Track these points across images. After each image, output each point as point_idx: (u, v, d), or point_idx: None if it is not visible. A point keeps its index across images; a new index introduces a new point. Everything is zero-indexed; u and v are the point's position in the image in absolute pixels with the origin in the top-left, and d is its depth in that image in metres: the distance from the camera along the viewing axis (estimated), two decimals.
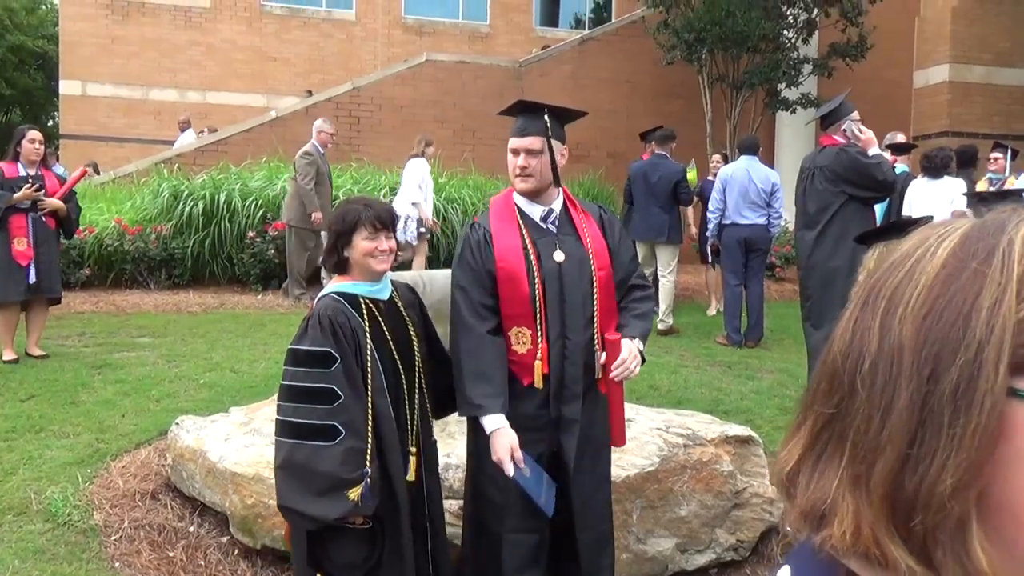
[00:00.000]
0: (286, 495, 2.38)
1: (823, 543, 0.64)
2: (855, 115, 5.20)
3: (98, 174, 12.31)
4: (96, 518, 3.70)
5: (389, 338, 2.60)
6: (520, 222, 2.77)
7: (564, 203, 2.85)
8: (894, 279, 0.64)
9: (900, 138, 7.93)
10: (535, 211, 2.80)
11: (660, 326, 7.79)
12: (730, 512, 3.72)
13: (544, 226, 2.79)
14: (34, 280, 6.02)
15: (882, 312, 0.63)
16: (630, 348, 2.69)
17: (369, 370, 2.51)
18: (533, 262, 2.70)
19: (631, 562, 3.49)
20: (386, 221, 2.60)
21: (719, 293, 8.76)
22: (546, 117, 2.75)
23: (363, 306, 2.57)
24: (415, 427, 2.67)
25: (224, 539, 3.64)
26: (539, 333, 2.68)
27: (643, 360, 2.75)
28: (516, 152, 2.75)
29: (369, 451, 2.44)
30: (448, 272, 3.02)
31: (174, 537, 3.66)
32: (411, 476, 2.63)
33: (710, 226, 7.80)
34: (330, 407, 2.40)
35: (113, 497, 3.88)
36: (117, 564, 3.41)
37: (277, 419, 2.47)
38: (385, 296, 2.66)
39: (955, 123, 13.15)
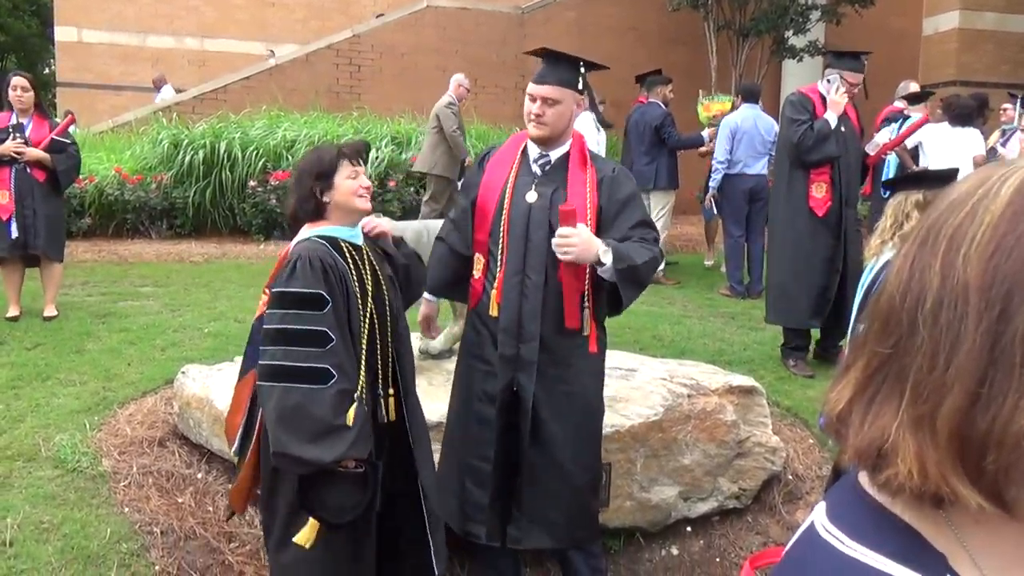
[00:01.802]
0: (280, 441, 2.32)
1: (887, 482, 0.63)
2: (851, 77, 5.09)
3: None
4: (105, 464, 3.74)
5: (366, 281, 2.56)
6: (518, 159, 2.86)
7: (567, 153, 2.84)
8: (954, 219, 0.62)
9: (914, 87, 7.79)
10: (533, 153, 2.87)
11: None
12: (733, 461, 3.76)
13: (533, 168, 2.85)
14: (17, 235, 5.69)
15: (943, 251, 0.62)
16: (581, 231, 2.60)
17: (361, 313, 2.49)
18: (507, 196, 2.79)
19: (635, 509, 3.54)
20: (363, 157, 2.59)
21: (715, 244, 8.69)
22: (582, 69, 2.83)
23: (345, 250, 2.53)
24: (391, 370, 2.66)
25: (232, 485, 3.67)
26: (497, 265, 2.77)
27: (604, 266, 2.63)
28: (533, 99, 2.77)
29: (359, 393, 2.43)
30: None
31: (182, 483, 3.70)
32: (392, 416, 2.64)
33: (717, 176, 7.62)
34: (322, 350, 2.35)
35: (121, 444, 3.92)
36: (127, 509, 3.46)
37: (263, 364, 2.39)
38: (359, 241, 2.62)
39: (963, 72, 12.94)
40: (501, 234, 2.78)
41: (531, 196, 2.79)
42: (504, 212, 2.78)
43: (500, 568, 3.00)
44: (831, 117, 5.01)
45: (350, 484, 2.38)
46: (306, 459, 2.30)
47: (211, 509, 3.55)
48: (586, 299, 2.78)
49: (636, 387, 3.78)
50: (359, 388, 2.45)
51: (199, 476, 3.76)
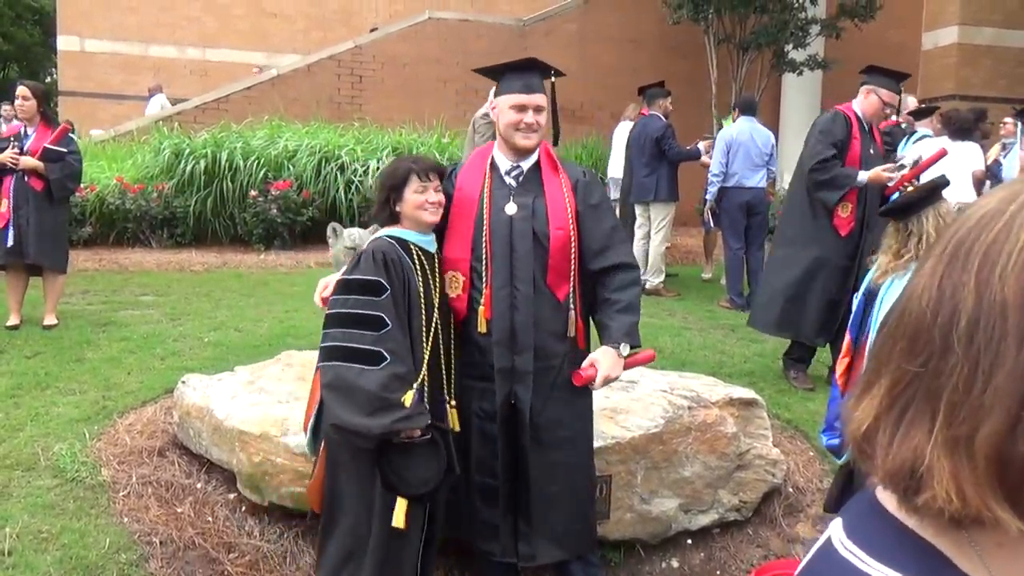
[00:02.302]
0: (335, 414, 2.49)
1: (925, 505, 0.62)
2: (888, 96, 5.05)
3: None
4: (104, 474, 3.73)
5: (433, 288, 2.72)
6: (488, 174, 2.85)
7: (537, 161, 2.87)
8: (987, 235, 0.61)
9: (912, 100, 7.82)
10: (504, 165, 2.87)
11: (646, 286, 7.57)
12: (733, 473, 3.76)
13: (507, 180, 2.86)
14: (12, 244, 5.70)
15: (977, 269, 0.61)
16: (604, 370, 2.67)
17: (423, 313, 2.65)
18: (485, 211, 2.79)
19: (635, 522, 3.53)
20: (433, 174, 2.72)
21: (713, 257, 8.70)
22: (553, 79, 2.91)
23: (414, 251, 2.70)
24: (452, 378, 2.80)
25: (231, 496, 3.67)
26: (484, 280, 2.77)
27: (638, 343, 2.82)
28: (524, 108, 2.77)
29: (417, 378, 2.57)
30: None
31: (182, 493, 3.69)
32: (455, 426, 2.78)
33: (712, 189, 7.65)
34: (377, 334, 2.52)
35: (120, 454, 3.91)
36: (126, 519, 3.45)
37: (324, 346, 2.58)
38: (431, 249, 2.79)
39: (962, 86, 12.99)
40: (484, 248, 2.77)
41: (511, 208, 2.80)
42: (484, 226, 2.78)
43: None
44: (862, 177, 4.87)
45: (423, 456, 2.52)
46: (357, 427, 2.45)
47: (211, 519, 3.54)
48: (571, 301, 2.80)
49: (636, 399, 3.77)
50: (420, 380, 2.59)
51: (199, 486, 3.74)
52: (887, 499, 0.66)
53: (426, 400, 2.61)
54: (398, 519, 2.52)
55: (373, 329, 2.52)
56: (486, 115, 8.16)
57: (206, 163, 9.24)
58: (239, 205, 9.23)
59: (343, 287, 2.62)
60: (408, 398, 2.48)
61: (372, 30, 14.23)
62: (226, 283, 7.60)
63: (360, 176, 9.43)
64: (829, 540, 0.69)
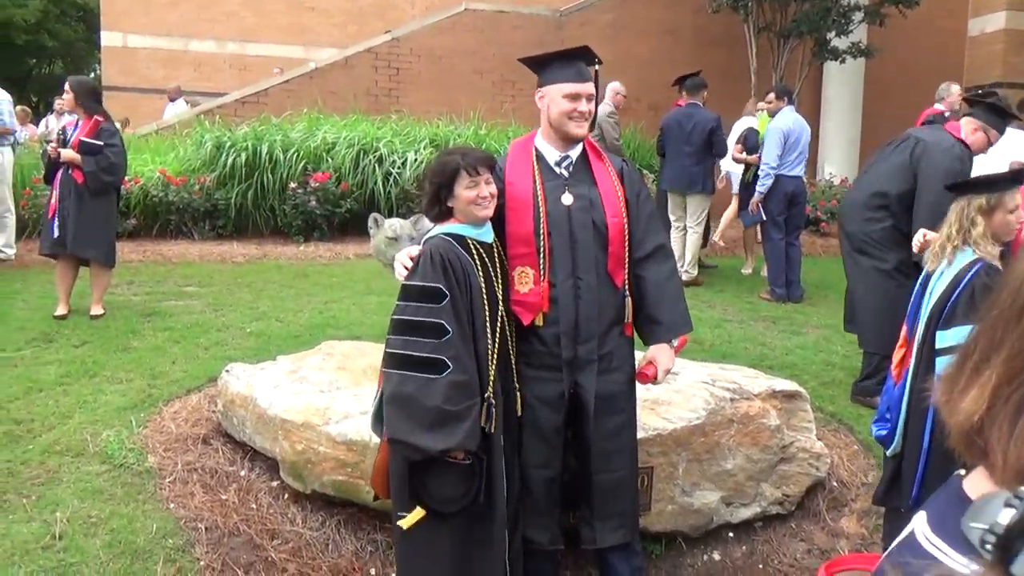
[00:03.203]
0: (395, 427, 2.46)
1: None
2: (993, 135, 4.68)
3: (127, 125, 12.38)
4: (151, 461, 3.80)
5: (494, 279, 2.68)
6: (535, 165, 2.83)
7: (584, 151, 2.87)
8: None
9: (955, 89, 7.64)
10: (552, 156, 2.85)
11: (684, 277, 7.48)
12: (776, 466, 3.71)
13: (557, 171, 2.84)
14: (57, 234, 5.86)
15: None
16: (660, 364, 2.81)
17: (487, 308, 2.61)
18: (541, 204, 2.76)
19: (676, 514, 3.50)
20: (482, 167, 2.65)
21: (754, 251, 8.60)
22: (597, 68, 2.87)
23: (471, 247, 2.66)
24: (515, 365, 2.78)
25: (274, 483, 3.71)
26: (541, 273, 2.74)
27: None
28: (577, 97, 2.76)
29: (481, 385, 2.56)
30: None
31: (226, 480, 3.74)
32: (520, 410, 2.77)
33: (768, 181, 7.49)
34: (438, 341, 2.48)
35: (166, 441, 3.98)
36: (172, 505, 3.51)
37: (386, 351, 2.56)
38: (489, 239, 2.73)
39: (1009, 73, 12.65)
40: (542, 241, 2.75)
41: (567, 199, 2.78)
42: (542, 219, 2.76)
43: (542, 570, 2.99)
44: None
45: (457, 476, 2.49)
46: (418, 446, 2.42)
47: (254, 506, 3.59)
48: (627, 288, 2.84)
49: (678, 390, 3.74)
50: (490, 383, 2.58)
51: (242, 474, 3.79)
52: (975, 490, 0.64)
53: (491, 395, 2.57)
54: (405, 520, 2.49)
55: (435, 336, 2.49)
56: (612, 113, 8.12)
57: (247, 156, 9.32)
58: (279, 197, 9.31)
59: (404, 293, 2.59)
60: (471, 409, 2.46)
61: (386, 32, 14.19)
62: (267, 274, 7.68)
63: (398, 168, 9.46)
64: (912, 534, 0.67)
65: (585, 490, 2.88)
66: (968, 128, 4.70)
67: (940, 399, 0.65)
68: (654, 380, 2.81)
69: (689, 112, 7.85)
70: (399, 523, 2.51)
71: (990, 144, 4.74)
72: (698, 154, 7.72)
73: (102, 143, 5.91)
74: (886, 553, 0.69)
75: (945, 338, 2.92)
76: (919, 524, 0.66)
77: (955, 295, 2.94)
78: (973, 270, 2.95)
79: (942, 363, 2.99)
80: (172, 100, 13.82)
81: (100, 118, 6.00)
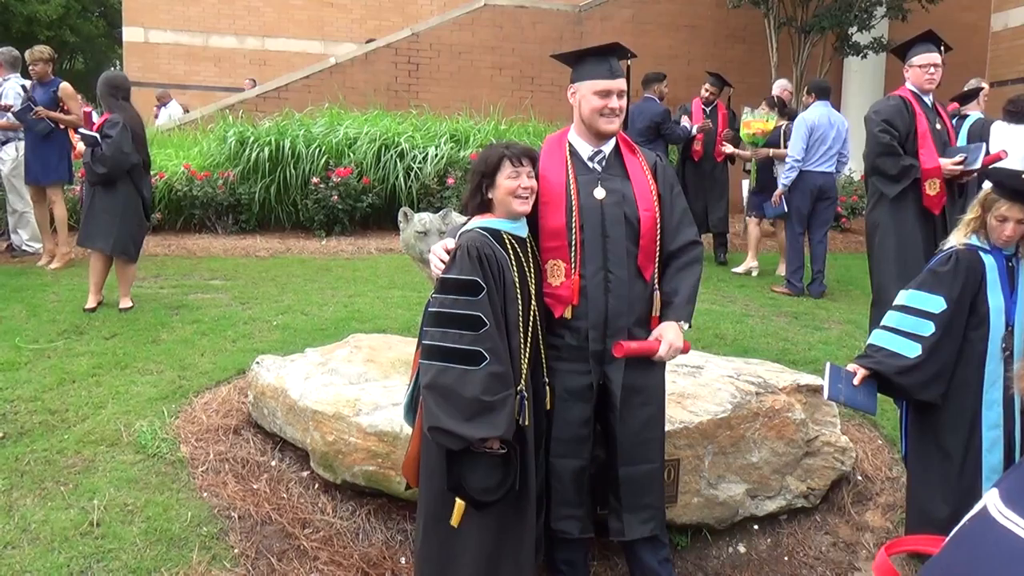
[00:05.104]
0: (435, 416, 2.51)
1: None
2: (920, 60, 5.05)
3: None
4: (183, 450, 3.87)
5: (527, 273, 2.73)
6: (568, 160, 2.86)
7: (617, 146, 2.91)
8: None
9: (976, 82, 7.62)
10: (585, 151, 2.89)
11: None
12: (801, 460, 3.74)
13: (591, 165, 2.88)
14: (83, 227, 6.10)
15: None
16: (668, 340, 2.78)
17: (519, 302, 2.66)
18: (573, 197, 2.79)
19: (702, 506, 3.53)
20: (526, 159, 2.71)
21: (756, 249, 8.50)
22: (629, 63, 2.91)
23: (507, 241, 2.70)
24: (545, 359, 2.82)
25: (305, 474, 3.77)
26: (572, 267, 2.78)
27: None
28: (608, 93, 2.80)
29: (514, 378, 2.60)
30: None
31: (257, 470, 3.81)
32: (550, 404, 2.81)
33: (792, 174, 7.47)
34: (476, 334, 2.53)
35: (198, 431, 4.05)
36: (205, 494, 3.58)
37: (424, 343, 2.61)
38: (523, 234, 2.78)
39: None
40: (574, 235, 2.79)
41: (599, 193, 2.82)
42: (574, 213, 2.79)
43: (573, 560, 3.03)
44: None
45: (491, 465, 2.53)
46: (457, 433, 2.47)
47: (285, 496, 3.65)
48: (655, 281, 2.89)
49: (703, 384, 3.77)
50: (522, 375, 2.63)
51: (273, 464, 3.86)
52: None
53: (523, 387, 2.62)
54: (454, 518, 2.55)
55: (472, 329, 2.54)
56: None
57: (270, 150, 9.41)
58: (301, 192, 9.39)
59: (441, 285, 2.64)
60: (506, 404, 2.51)
61: (368, 41, 14.01)
62: (290, 268, 7.76)
63: (419, 163, 9.51)
64: (985, 509, 0.68)
65: (613, 482, 2.91)
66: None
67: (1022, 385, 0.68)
68: (654, 353, 2.78)
69: (642, 107, 8.46)
70: (451, 521, 2.55)
71: (931, 77, 5.06)
72: (648, 144, 7.82)
73: (97, 135, 5.86)
74: (956, 529, 0.72)
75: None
76: (992, 499, 0.68)
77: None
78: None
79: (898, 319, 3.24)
80: (164, 105, 13.84)
81: (86, 112, 6.35)
